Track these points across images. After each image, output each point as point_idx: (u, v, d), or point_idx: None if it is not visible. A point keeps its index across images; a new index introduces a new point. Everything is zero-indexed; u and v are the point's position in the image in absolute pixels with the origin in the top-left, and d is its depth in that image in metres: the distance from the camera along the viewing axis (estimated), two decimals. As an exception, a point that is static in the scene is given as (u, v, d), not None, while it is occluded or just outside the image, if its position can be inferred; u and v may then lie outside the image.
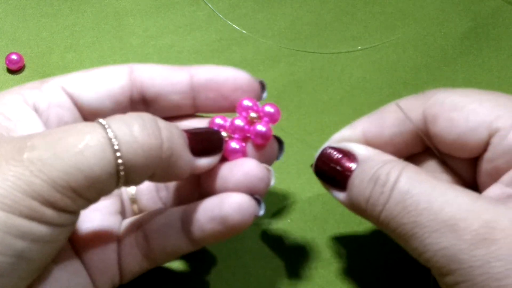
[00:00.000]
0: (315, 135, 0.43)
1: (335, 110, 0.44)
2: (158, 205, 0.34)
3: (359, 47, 0.47)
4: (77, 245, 0.31)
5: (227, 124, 0.32)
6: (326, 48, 0.47)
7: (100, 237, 0.31)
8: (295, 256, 0.38)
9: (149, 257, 0.31)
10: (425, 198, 0.28)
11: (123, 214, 0.34)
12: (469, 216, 0.27)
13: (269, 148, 0.32)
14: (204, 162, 0.30)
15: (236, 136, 0.32)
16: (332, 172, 0.31)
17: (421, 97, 0.32)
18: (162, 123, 0.28)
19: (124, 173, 0.26)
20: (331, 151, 0.32)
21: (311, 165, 0.33)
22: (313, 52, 0.46)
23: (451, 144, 0.31)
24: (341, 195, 0.31)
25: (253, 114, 0.32)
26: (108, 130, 0.26)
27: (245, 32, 0.47)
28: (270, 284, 0.37)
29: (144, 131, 0.26)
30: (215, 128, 0.32)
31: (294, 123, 0.43)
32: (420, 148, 0.33)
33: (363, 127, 0.33)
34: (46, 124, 0.30)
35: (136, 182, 0.27)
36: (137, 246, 0.31)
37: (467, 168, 0.32)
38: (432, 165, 0.33)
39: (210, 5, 0.48)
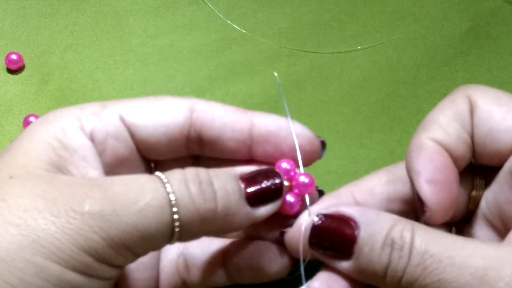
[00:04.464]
0: (315, 135, 0.43)
1: (335, 110, 0.44)
2: None
3: (359, 47, 0.47)
4: None
5: (292, 172, 0.31)
6: (326, 48, 0.47)
7: (144, 265, 0.31)
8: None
9: (187, 285, 0.32)
10: (446, 254, 0.26)
11: None
12: (498, 264, 0.25)
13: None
14: (263, 212, 0.29)
15: (296, 191, 0.30)
16: (332, 243, 0.29)
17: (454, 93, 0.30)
18: (217, 183, 0.27)
19: (179, 234, 0.26)
20: (326, 220, 0.29)
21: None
22: (313, 52, 0.46)
23: (485, 135, 0.29)
24: (345, 264, 0.28)
25: (285, 183, 0.30)
26: (168, 189, 0.26)
27: (245, 32, 0.47)
28: (270, 283, 0.37)
29: (200, 194, 0.26)
30: (280, 172, 0.30)
31: (294, 123, 0.43)
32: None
33: (351, 192, 0.31)
34: (101, 155, 0.29)
35: (189, 240, 0.28)
36: (178, 275, 0.32)
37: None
38: None
39: (210, 5, 0.48)
